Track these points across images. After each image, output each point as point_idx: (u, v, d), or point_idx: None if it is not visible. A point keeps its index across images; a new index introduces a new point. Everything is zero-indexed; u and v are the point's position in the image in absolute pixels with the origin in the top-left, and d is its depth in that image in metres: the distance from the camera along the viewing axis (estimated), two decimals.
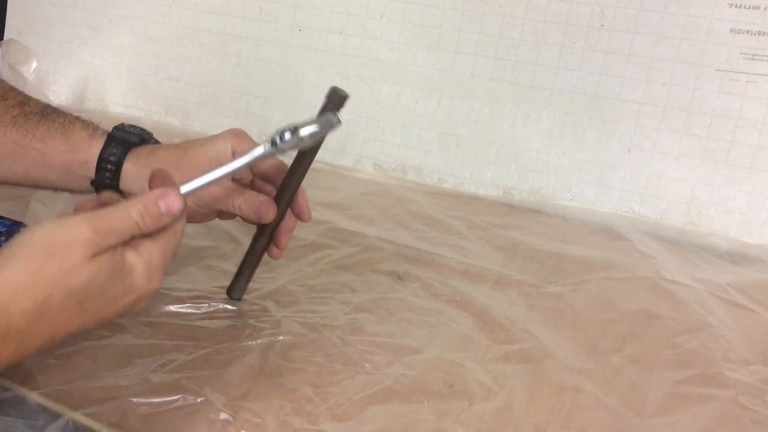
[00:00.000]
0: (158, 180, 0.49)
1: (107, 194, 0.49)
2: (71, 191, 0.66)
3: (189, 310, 0.65)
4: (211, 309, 0.66)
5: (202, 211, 0.62)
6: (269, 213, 0.60)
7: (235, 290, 0.66)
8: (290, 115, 1.11)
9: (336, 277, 0.74)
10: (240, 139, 0.61)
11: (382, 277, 0.75)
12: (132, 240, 0.44)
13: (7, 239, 0.67)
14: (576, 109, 0.96)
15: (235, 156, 0.56)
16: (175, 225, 0.46)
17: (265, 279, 0.72)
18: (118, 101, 1.23)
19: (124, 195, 0.51)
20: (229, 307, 0.67)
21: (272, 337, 0.63)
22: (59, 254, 0.40)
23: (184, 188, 0.47)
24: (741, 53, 0.87)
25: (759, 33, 0.86)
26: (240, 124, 1.14)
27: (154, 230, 0.44)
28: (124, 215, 0.42)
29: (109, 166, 0.61)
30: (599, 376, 0.62)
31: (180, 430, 0.52)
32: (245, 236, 0.81)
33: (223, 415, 0.53)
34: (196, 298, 0.67)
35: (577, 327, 0.69)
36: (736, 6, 0.87)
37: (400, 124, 1.05)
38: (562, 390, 0.60)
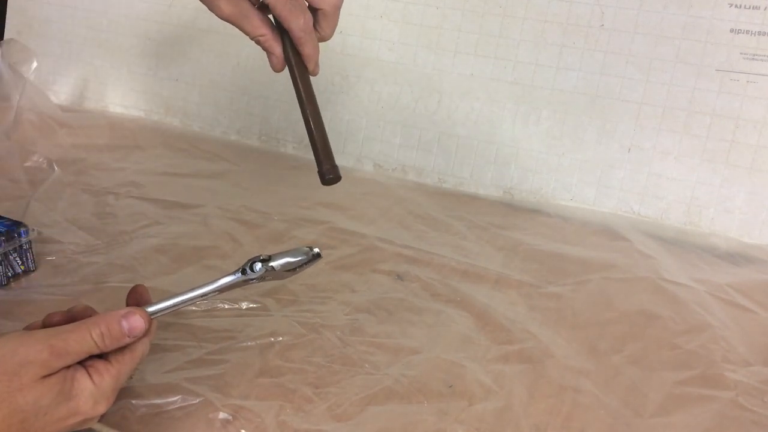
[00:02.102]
0: (135, 296, 0.50)
1: (80, 307, 0.49)
2: None
3: (189, 308, 0.65)
4: (211, 308, 0.66)
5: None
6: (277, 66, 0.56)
7: (330, 170, 0.54)
8: (290, 115, 1.11)
9: (336, 277, 0.74)
10: None
11: (382, 277, 0.75)
12: (88, 359, 0.44)
13: (7, 240, 0.67)
14: (576, 109, 0.96)
15: None
16: (135, 347, 0.46)
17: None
18: (118, 101, 1.23)
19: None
20: (228, 306, 0.67)
21: (272, 338, 0.63)
22: (10, 372, 0.41)
23: (152, 309, 0.48)
24: (741, 53, 0.87)
25: (759, 33, 0.86)
26: (240, 124, 1.14)
27: (113, 349, 0.45)
28: (84, 336, 0.43)
29: None
30: (599, 376, 0.62)
31: (179, 430, 0.52)
32: (245, 236, 0.81)
33: (222, 415, 0.53)
34: None
35: (577, 327, 0.69)
36: (736, 6, 0.87)
37: (400, 124, 1.05)
38: (562, 390, 0.60)
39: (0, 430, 0.40)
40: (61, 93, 1.25)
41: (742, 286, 0.78)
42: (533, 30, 0.96)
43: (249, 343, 0.62)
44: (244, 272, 0.50)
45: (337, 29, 1.14)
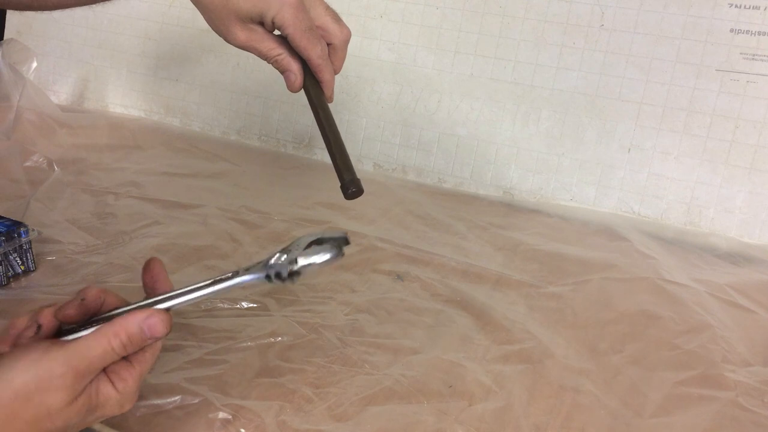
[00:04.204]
0: (151, 273, 0.48)
1: (92, 292, 0.46)
2: None
3: (188, 309, 0.65)
4: (211, 308, 0.66)
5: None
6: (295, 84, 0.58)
7: (352, 182, 0.55)
8: (290, 115, 1.11)
9: (336, 277, 0.74)
10: (290, 13, 0.54)
11: (382, 277, 0.75)
12: (109, 366, 0.43)
13: (7, 240, 0.67)
14: (576, 109, 0.96)
15: (274, 24, 0.55)
16: (154, 344, 0.45)
17: None
18: (118, 101, 1.23)
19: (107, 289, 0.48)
20: (228, 306, 0.67)
21: (272, 338, 0.63)
22: (36, 400, 0.40)
23: (168, 304, 0.46)
24: (741, 53, 0.87)
25: (759, 33, 0.86)
26: (240, 124, 1.14)
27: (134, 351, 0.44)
28: (105, 350, 0.42)
29: None
30: (599, 376, 0.62)
31: (179, 430, 0.52)
32: (245, 236, 0.81)
33: (222, 415, 0.53)
34: None
35: (577, 327, 0.69)
36: (736, 6, 0.87)
37: (400, 124, 1.05)
38: (562, 390, 0.60)
39: None
40: (61, 93, 1.25)
41: (742, 286, 0.78)
42: (533, 30, 0.96)
43: (249, 343, 0.62)
44: (269, 278, 0.49)
45: None
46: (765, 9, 0.86)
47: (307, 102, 0.59)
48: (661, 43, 0.90)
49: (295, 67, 0.57)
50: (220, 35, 0.58)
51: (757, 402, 0.60)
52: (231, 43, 0.57)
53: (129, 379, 0.43)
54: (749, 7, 0.86)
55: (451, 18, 1.00)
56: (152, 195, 0.90)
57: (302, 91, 0.59)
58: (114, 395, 0.43)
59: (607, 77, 0.94)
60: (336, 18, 0.58)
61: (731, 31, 0.87)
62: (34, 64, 1.13)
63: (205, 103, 1.17)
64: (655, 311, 0.72)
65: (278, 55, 0.56)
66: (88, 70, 1.24)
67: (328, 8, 0.58)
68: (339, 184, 0.56)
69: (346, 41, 0.58)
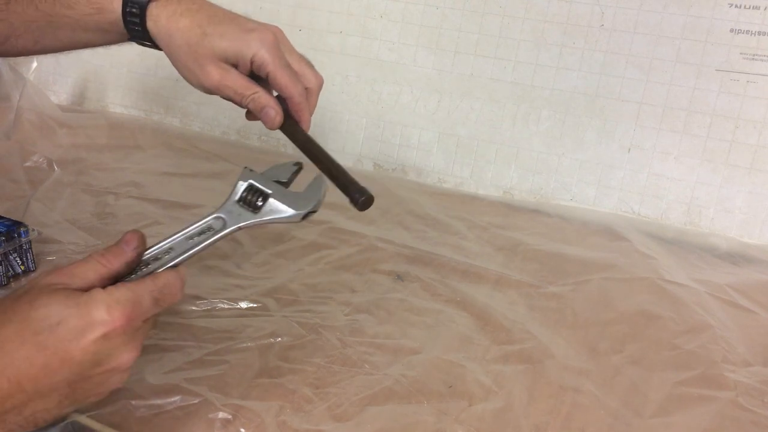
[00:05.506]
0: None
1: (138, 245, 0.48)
2: (114, 43, 0.65)
3: (189, 308, 0.65)
4: (211, 308, 0.66)
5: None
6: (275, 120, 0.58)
7: (360, 192, 0.54)
8: None
9: (336, 277, 0.74)
10: (269, 52, 0.56)
11: (382, 277, 0.75)
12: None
13: (7, 240, 0.67)
14: (576, 109, 0.96)
15: (253, 63, 0.56)
16: (158, 274, 0.44)
17: (265, 277, 0.72)
18: (118, 101, 1.23)
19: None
20: (228, 306, 0.67)
21: (272, 338, 0.63)
22: (21, 293, 0.42)
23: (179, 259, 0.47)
24: (741, 53, 0.87)
25: (759, 33, 0.86)
26: (240, 124, 1.14)
27: (122, 268, 0.45)
28: (87, 260, 0.44)
29: (134, 19, 0.59)
30: (599, 377, 0.62)
31: (179, 430, 0.52)
32: (245, 236, 0.81)
33: (222, 415, 0.53)
34: (196, 298, 0.67)
35: (577, 327, 0.69)
36: (736, 6, 0.87)
37: (400, 124, 1.05)
38: (562, 390, 0.60)
39: (15, 345, 0.39)
40: (61, 93, 1.25)
41: (742, 286, 0.78)
42: (533, 30, 0.96)
43: (249, 344, 0.62)
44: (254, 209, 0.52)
45: (338, 29, 1.14)
46: (765, 9, 0.86)
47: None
48: (661, 43, 0.90)
49: (273, 102, 0.58)
50: (190, 78, 0.59)
51: (757, 402, 0.60)
52: (203, 85, 0.58)
53: (121, 286, 0.42)
54: (749, 7, 0.86)
55: (451, 18, 1.00)
56: (152, 195, 0.90)
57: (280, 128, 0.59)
58: (100, 293, 0.41)
59: (607, 77, 0.94)
60: (310, 64, 0.60)
61: (731, 31, 0.87)
62: (34, 64, 1.13)
63: (205, 103, 1.17)
64: (655, 311, 0.72)
65: (255, 93, 0.57)
66: (88, 70, 1.24)
67: (301, 56, 0.60)
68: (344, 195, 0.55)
69: (320, 86, 0.61)
